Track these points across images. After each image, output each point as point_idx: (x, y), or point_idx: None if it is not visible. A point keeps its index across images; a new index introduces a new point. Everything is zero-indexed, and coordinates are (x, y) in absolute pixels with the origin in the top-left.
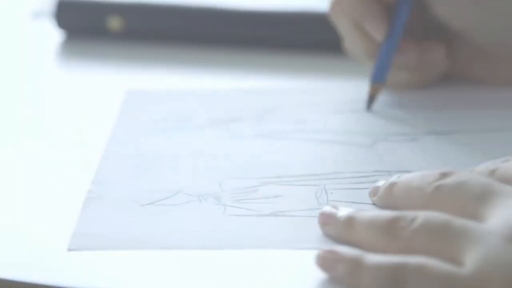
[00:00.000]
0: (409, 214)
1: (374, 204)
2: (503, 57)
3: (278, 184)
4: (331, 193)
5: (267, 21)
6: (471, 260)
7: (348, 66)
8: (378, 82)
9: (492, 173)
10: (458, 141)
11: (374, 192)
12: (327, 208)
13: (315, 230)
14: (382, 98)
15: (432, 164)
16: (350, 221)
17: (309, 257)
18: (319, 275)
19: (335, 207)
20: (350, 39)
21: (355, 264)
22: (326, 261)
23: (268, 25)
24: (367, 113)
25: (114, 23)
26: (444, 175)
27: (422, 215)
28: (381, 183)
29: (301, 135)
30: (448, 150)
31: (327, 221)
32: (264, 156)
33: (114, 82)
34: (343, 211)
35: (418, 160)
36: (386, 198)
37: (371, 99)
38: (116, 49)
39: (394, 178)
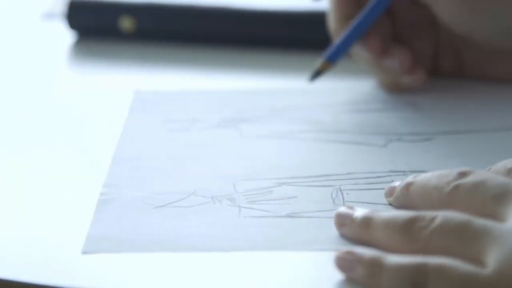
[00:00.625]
0: (427, 214)
1: (390, 204)
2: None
3: (293, 185)
4: (347, 193)
5: (278, 21)
6: (492, 260)
7: (357, 65)
8: (328, 62)
9: (510, 171)
10: (473, 140)
11: (390, 192)
12: (343, 209)
13: (332, 231)
14: (393, 97)
15: (447, 164)
16: (367, 221)
17: (326, 258)
18: (336, 276)
19: (351, 208)
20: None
21: (375, 265)
22: (344, 262)
23: (279, 25)
24: (380, 113)
25: (126, 23)
26: (462, 174)
27: (441, 215)
28: (397, 183)
29: (313, 136)
30: (463, 150)
31: (343, 221)
32: (277, 157)
33: (126, 82)
34: (359, 212)
35: (433, 160)
36: (403, 198)
37: (316, 74)
38: (127, 50)
39: (410, 178)
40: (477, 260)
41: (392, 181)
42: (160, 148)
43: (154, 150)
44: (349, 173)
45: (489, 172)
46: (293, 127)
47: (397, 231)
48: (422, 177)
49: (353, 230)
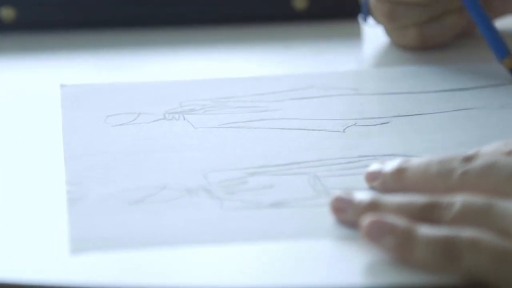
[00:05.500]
0: (445, 199)
1: (372, 189)
2: None
3: (266, 175)
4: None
5: None
6: None
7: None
8: (507, 56)
9: (509, 153)
10: (429, 121)
11: (372, 177)
12: (341, 194)
13: (324, 218)
14: (335, 83)
15: (415, 146)
16: (374, 207)
17: (322, 247)
18: (334, 265)
19: (349, 193)
20: None
21: (407, 236)
22: (374, 232)
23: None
24: (324, 99)
25: (5, 13)
26: (467, 159)
27: (460, 199)
28: (375, 167)
29: (266, 124)
30: (423, 130)
31: (343, 207)
32: (240, 147)
33: (17, 75)
34: (361, 196)
35: (398, 143)
36: (393, 184)
37: None
38: (10, 41)
39: (397, 163)
40: (508, 235)
41: (366, 166)
42: (110, 143)
43: (105, 146)
44: (319, 160)
45: (494, 154)
46: (241, 116)
47: (414, 217)
48: (417, 163)
49: (356, 216)
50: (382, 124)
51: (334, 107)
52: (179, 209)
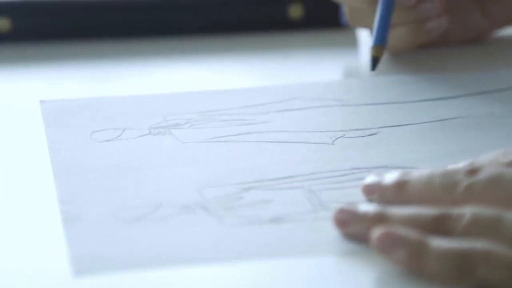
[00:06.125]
0: (454, 210)
1: (370, 202)
2: None
3: (261, 189)
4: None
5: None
6: None
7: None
8: (380, 45)
9: (509, 165)
10: (419, 132)
11: (370, 190)
12: (344, 206)
13: (327, 233)
14: (321, 94)
15: (407, 158)
16: (381, 219)
17: (326, 262)
18: (339, 280)
19: (353, 205)
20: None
21: (420, 248)
22: (385, 244)
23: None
24: (310, 111)
25: (1, 24)
26: (471, 172)
27: (469, 211)
28: (372, 180)
29: (254, 137)
30: (413, 141)
31: (347, 219)
32: (231, 162)
33: (14, 85)
34: (366, 208)
35: (389, 154)
36: (394, 197)
37: (374, 61)
38: (6, 52)
39: (397, 176)
40: None
41: (359, 178)
42: (100, 160)
43: (95, 163)
44: (312, 173)
45: (498, 166)
46: (228, 129)
47: (424, 229)
48: (418, 176)
49: (363, 229)
50: (370, 135)
51: (320, 119)
52: (178, 227)
